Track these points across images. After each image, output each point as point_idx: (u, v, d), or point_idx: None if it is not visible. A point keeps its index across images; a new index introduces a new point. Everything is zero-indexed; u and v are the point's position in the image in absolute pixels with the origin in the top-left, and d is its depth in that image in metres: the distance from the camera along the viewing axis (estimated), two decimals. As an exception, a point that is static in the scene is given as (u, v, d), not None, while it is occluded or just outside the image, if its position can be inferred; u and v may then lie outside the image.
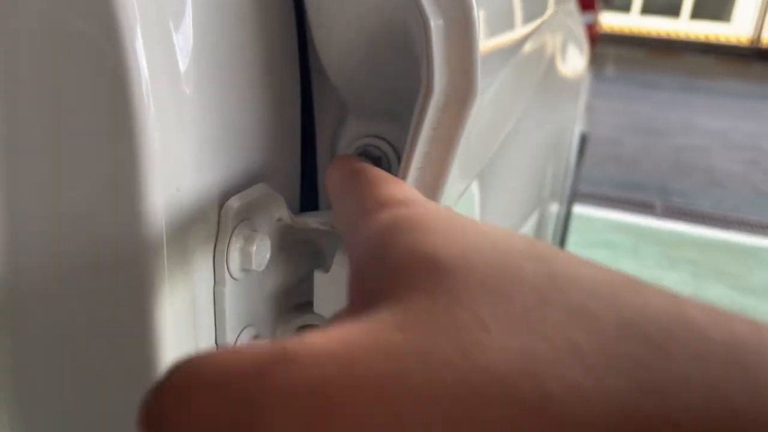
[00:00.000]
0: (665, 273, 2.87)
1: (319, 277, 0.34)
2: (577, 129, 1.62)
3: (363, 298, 0.17)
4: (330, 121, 0.38)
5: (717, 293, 2.71)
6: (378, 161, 0.36)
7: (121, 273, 0.26)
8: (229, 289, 0.31)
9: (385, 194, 0.23)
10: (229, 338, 0.32)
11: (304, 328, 0.39)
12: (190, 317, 0.29)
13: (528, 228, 0.96)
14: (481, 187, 0.45)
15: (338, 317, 0.17)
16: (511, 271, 0.15)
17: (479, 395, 0.12)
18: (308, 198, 0.39)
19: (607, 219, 3.43)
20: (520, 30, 0.44)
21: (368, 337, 0.14)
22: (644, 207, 3.68)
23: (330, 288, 0.34)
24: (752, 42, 10.45)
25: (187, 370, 0.14)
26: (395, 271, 0.16)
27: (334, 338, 0.14)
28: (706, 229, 3.41)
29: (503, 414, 0.11)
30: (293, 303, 0.37)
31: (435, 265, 0.16)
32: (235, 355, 0.14)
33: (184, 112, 0.26)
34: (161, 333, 0.27)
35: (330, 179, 0.29)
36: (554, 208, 1.41)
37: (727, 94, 7.09)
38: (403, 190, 0.24)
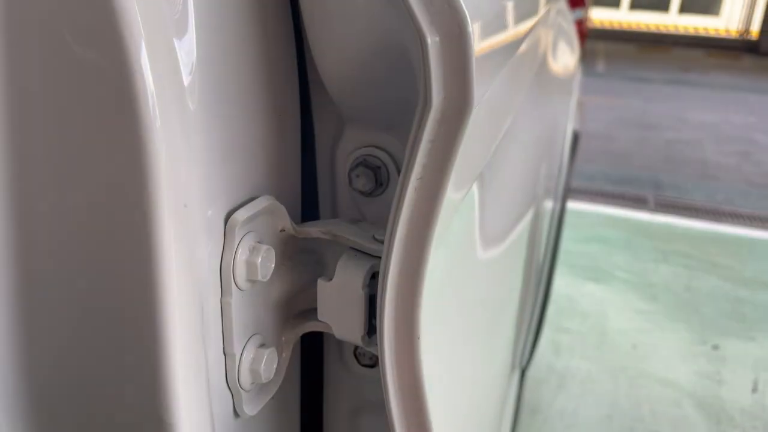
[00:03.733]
0: (658, 266, 2.89)
1: (322, 285, 0.35)
2: (569, 126, 1.63)
3: None
4: (328, 132, 0.38)
5: (710, 285, 2.74)
6: (377, 170, 0.37)
7: (131, 286, 0.27)
8: (236, 300, 0.31)
9: None
10: (236, 348, 0.32)
11: (308, 334, 0.40)
12: (199, 327, 0.29)
13: (524, 225, 0.97)
14: (480, 187, 0.46)
15: None
16: None
17: None
18: (309, 208, 0.40)
19: (601, 214, 3.45)
20: (515, 33, 0.44)
21: None
22: (637, 201, 3.70)
23: (333, 297, 0.35)
24: (741, 34, 10.50)
25: None
26: None
27: None
28: (699, 221, 3.44)
29: None
30: (298, 311, 0.38)
31: None
32: None
33: (189, 126, 0.27)
34: (171, 343, 0.28)
35: None
36: (549, 205, 1.42)
37: (717, 87, 7.13)
38: None
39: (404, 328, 0.32)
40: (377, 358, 0.40)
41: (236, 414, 0.34)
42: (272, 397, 0.37)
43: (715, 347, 2.32)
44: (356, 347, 0.41)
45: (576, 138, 1.71)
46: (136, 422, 0.29)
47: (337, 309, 0.35)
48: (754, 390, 2.11)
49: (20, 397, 0.29)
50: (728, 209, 3.64)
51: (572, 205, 3.00)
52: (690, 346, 2.32)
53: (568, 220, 2.12)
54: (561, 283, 2.59)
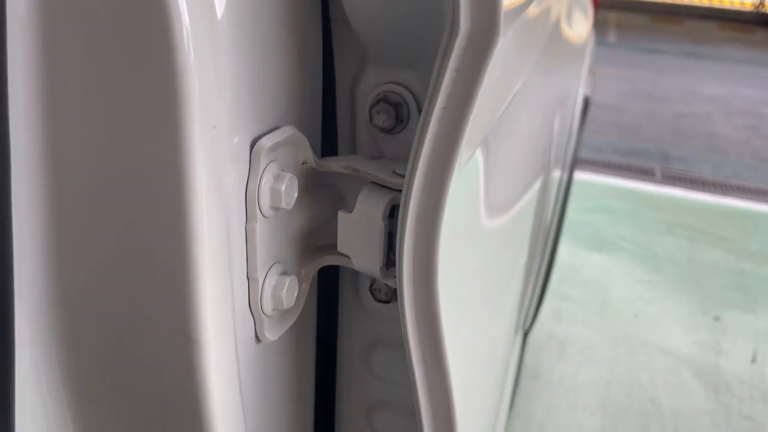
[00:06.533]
0: (662, 238, 2.90)
1: (342, 216, 0.35)
2: (581, 92, 1.62)
3: None
4: (350, 68, 0.39)
5: (714, 257, 2.74)
6: (398, 107, 0.37)
7: (160, 205, 0.27)
8: (260, 226, 0.32)
9: None
10: (260, 273, 0.33)
11: (325, 273, 0.41)
12: (225, 250, 0.30)
13: (532, 194, 0.97)
14: (486, 152, 0.46)
15: None
16: None
17: None
18: (328, 144, 0.40)
19: (607, 184, 3.45)
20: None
21: None
22: (644, 173, 3.69)
23: (353, 228, 0.36)
24: (756, 7, 10.32)
25: None
26: None
27: None
28: (704, 194, 3.43)
29: None
30: (316, 245, 0.39)
31: None
32: None
33: (219, 55, 0.28)
34: (198, 266, 0.28)
35: None
36: (557, 173, 1.41)
37: (729, 60, 7.04)
38: None
39: (423, 258, 0.33)
40: (393, 293, 0.41)
41: (257, 339, 0.35)
42: (290, 327, 0.38)
43: (716, 318, 2.33)
44: (372, 284, 0.42)
45: (587, 103, 1.70)
46: (165, 338, 0.30)
47: (356, 240, 0.35)
48: (753, 360, 2.13)
49: (54, 321, 0.30)
50: (735, 183, 3.63)
51: (579, 175, 2.99)
52: (691, 317, 2.33)
53: (573, 190, 2.12)
54: (565, 252, 2.60)
